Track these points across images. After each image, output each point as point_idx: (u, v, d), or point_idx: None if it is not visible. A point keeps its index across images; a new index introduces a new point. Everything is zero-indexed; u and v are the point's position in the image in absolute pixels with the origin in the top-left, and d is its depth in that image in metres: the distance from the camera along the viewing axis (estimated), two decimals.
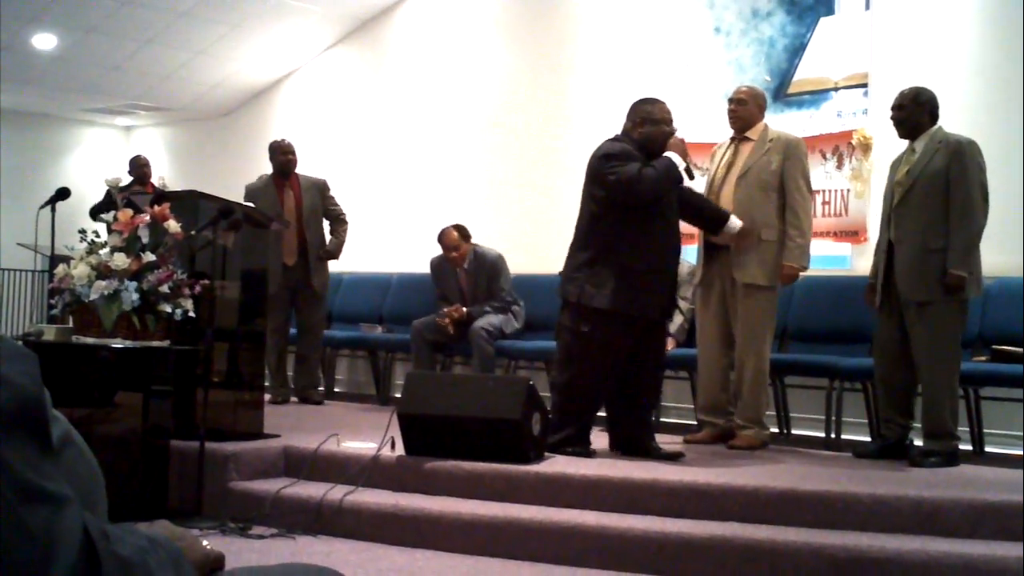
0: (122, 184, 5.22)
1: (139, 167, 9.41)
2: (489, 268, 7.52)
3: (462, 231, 7.55)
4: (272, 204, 7.05)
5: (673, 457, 5.06)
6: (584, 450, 5.12)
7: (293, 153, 7.42)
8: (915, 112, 5.30)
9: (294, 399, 7.43)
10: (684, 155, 5.05)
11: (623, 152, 5.04)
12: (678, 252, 5.25)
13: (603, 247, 5.06)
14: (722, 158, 5.79)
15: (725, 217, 5.47)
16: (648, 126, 5.15)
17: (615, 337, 5.06)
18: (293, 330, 7.52)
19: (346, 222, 7.68)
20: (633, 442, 5.16)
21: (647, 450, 5.09)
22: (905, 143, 5.44)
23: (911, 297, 5.13)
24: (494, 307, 7.41)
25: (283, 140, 7.54)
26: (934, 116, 5.31)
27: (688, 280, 6.26)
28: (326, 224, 7.62)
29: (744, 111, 5.75)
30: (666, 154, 5.04)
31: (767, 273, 5.56)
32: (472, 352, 7.22)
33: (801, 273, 5.68)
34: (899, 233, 5.21)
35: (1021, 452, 5.78)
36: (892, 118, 5.39)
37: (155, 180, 9.59)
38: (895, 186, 5.30)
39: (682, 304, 6.37)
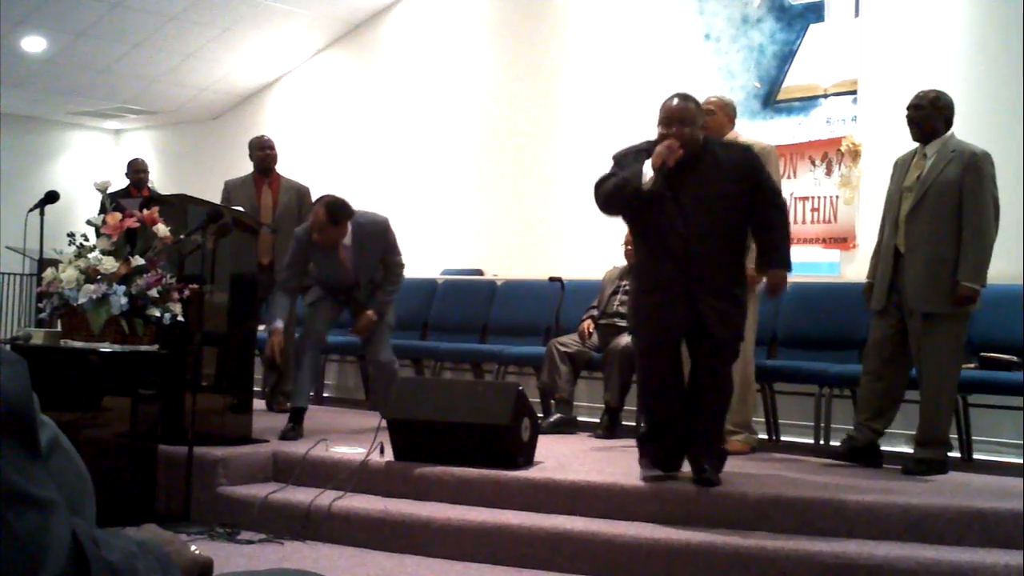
0: (111, 189, 5.18)
1: (136, 172, 9.18)
2: (380, 237, 6.16)
3: (333, 213, 5.86)
4: (249, 201, 6.93)
5: (712, 483, 4.50)
6: (651, 470, 4.64)
7: (272, 148, 7.23)
8: (932, 115, 5.21)
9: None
10: (659, 165, 4.36)
11: (621, 154, 4.63)
12: (687, 270, 4.41)
13: (634, 266, 4.81)
14: None
15: (780, 264, 4.73)
16: (658, 128, 4.59)
17: (652, 361, 4.61)
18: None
19: None
20: (692, 462, 4.62)
21: (698, 472, 4.52)
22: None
23: (920, 308, 5.07)
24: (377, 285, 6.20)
25: (263, 136, 7.40)
26: (949, 122, 5.23)
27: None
28: None
29: (713, 121, 5.68)
30: (645, 164, 4.42)
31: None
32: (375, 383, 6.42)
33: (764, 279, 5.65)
34: (909, 241, 5.14)
35: (1012, 460, 5.79)
36: (908, 117, 5.26)
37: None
38: (904, 191, 5.25)
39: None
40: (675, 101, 4.54)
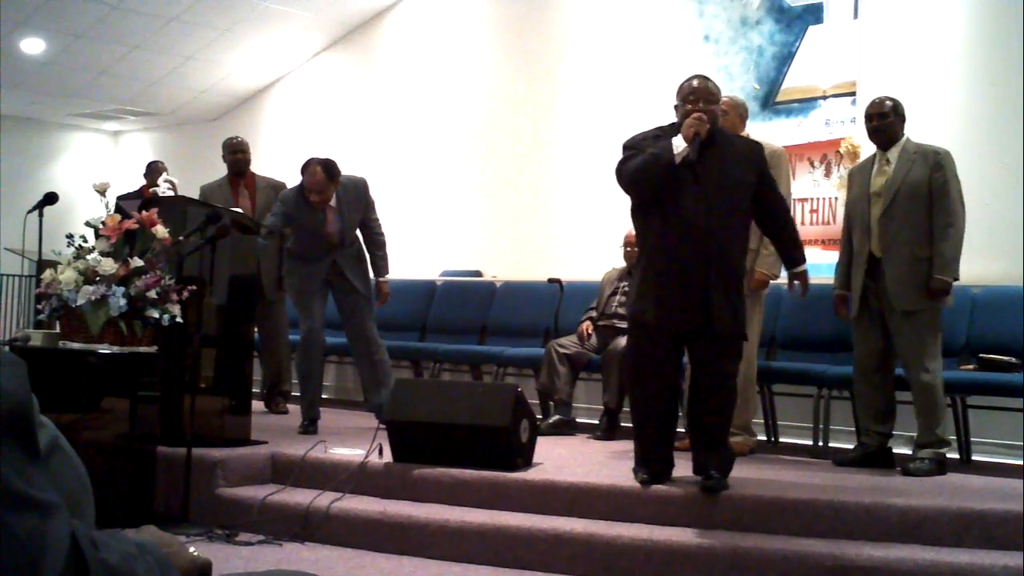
0: (117, 190, 5.15)
1: (154, 173, 8.90)
2: (361, 198, 6.42)
3: (330, 170, 6.14)
4: (226, 204, 6.82)
5: (719, 488, 4.40)
6: (645, 476, 4.54)
7: (244, 151, 7.18)
8: (895, 122, 5.34)
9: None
10: (691, 137, 4.32)
11: (635, 140, 4.56)
12: (707, 253, 4.34)
13: (639, 251, 4.71)
14: None
15: (800, 260, 4.77)
16: (679, 107, 4.53)
17: (651, 349, 4.51)
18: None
19: None
20: (697, 466, 4.55)
21: (705, 477, 4.42)
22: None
23: (903, 307, 5.13)
24: (359, 252, 6.44)
25: (235, 138, 7.33)
26: (904, 126, 5.37)
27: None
28: None
29: (726, 121, 5.69)
30: (675, 138, 4.39)
31: (751, 282, 5.56)
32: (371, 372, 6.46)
33: (771, 281, 5.65)
34: (884, 244, 5.22)
35: (1011, 461, 5.79)
36: (875, 127, 5.35)
37: (163, 185, 9.23)
38: (872, 197, 5.31)
39: None
40: (696, 81, 4.55)
